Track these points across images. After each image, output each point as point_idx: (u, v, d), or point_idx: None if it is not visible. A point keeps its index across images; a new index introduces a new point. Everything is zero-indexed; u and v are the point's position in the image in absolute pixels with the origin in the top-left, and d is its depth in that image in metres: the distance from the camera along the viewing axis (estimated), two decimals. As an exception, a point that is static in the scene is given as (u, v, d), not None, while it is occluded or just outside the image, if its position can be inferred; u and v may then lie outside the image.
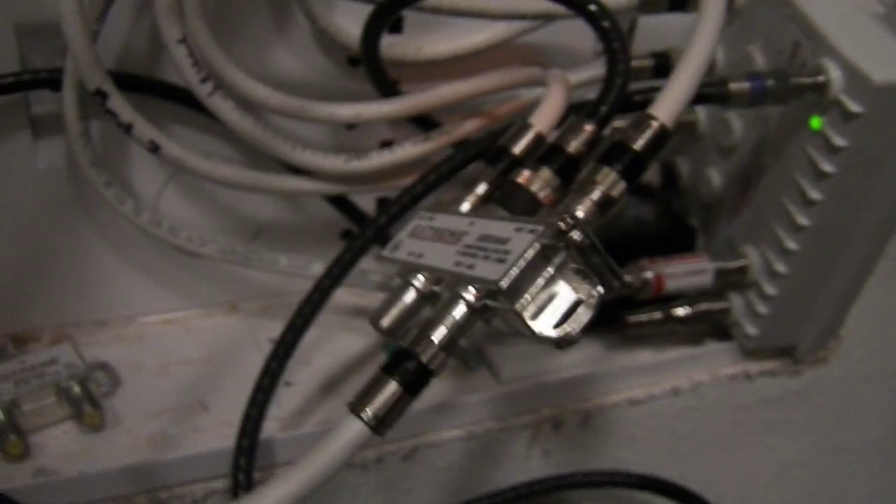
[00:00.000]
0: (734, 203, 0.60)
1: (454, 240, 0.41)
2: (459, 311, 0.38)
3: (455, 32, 0.56)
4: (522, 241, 0.37)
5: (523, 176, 0.42)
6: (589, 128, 0.43)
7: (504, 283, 0.36)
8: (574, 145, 0.42)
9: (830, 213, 0.54)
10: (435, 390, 0.56)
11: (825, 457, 0.74)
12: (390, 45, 0.54)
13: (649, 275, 0.57)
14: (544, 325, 0.37)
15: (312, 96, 0.52)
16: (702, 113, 0.62)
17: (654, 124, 0.40)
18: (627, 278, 0.56)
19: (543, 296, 0.37)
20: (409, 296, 0.42)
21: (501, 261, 0.37)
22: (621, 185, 0.39)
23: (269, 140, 0.52)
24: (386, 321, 0.43)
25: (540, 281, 0.37)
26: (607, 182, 0.39)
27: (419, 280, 0.42)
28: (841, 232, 0.56)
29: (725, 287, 0.60)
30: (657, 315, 0.59)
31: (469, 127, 0.54)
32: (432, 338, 0.38)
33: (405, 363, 0.38)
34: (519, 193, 0.42)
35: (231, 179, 0.53)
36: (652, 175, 0.65)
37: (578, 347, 0.61)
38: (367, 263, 0.56)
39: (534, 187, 0.42)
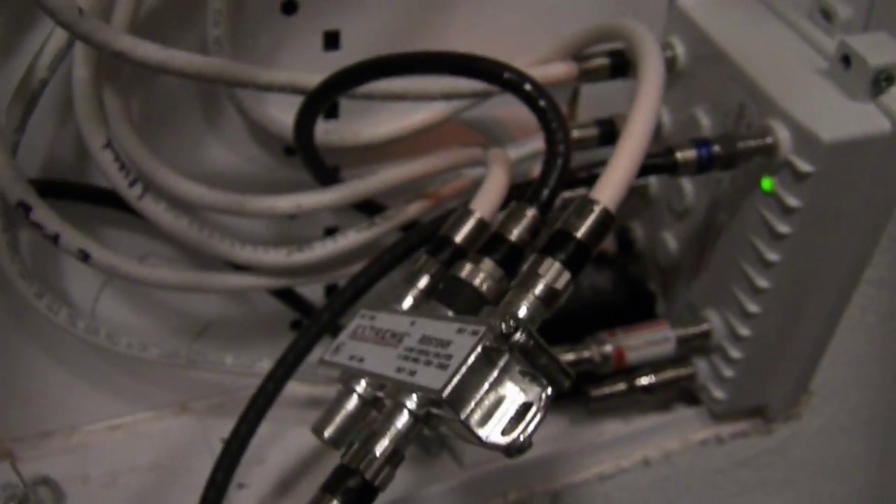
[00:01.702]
0: (692, 266, 0.58)
1: (395, 342, 0.39)
2: (402, 420, 0.36)
3: (394, 114, 0.54)
4: (464, 345, 0.36)
5: (465, 270, 0.40)
6: (531, 213, 0.41)
7: (446, 393, 0.34)
8: (516, 233, 0.40)
9: (789, 272, 0.52)
10: (395, 483, 0.54)
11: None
12: (327, 131, 0.53)
13: (609, 348, 0.55)
14: (492, 432, 0.35)
15: (251, 189, 0.50)
16: (653, 182, 0.61)
17: (597, 209, 0.38)
18: (585, 354, 0.55)
19: (489, 401, 0.35)
20: (352, 403, 0.40)
21: (443, 367, 0.35)
22: (565, 277, 0.37)
23: (206, 240, 0.50)
24: (329, 431, 0.40)
25: (485, 386, 0.35)
26: (551, 274, 0.37)
27: (361, 385, 0.40)
28: (802, 290, 0.54)
29: (689, 353, 0.58)
30: (621, 386, 0.57)
31: (413, 210, 0.53)
32: (375, 451, 0.36)
33: (347, 481, 0.36)
34: (461, 290, 0.40)
35: (168, 282, 0.51)
36: (607, 241, 0.64)
37: (543, 426, 0.60)
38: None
39: (476, 281, 0.40)
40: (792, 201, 0.50)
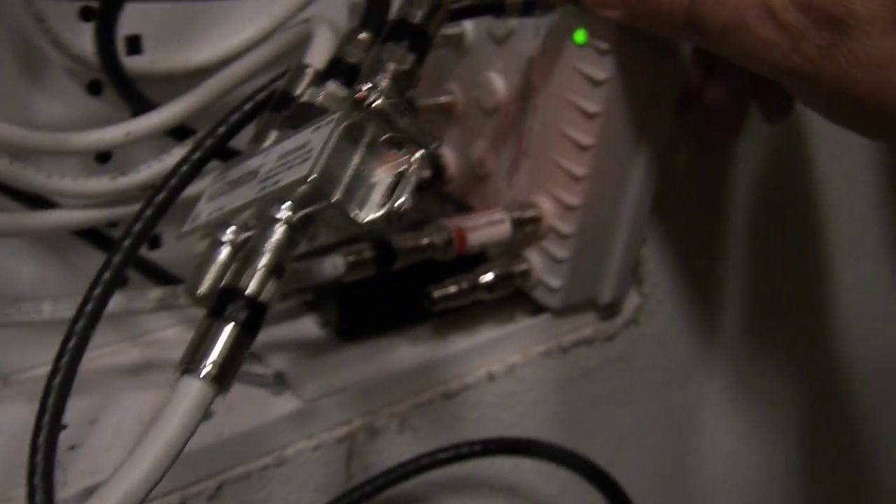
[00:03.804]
0: (511, 162, 0.57)
1: (252, 176, 0.36)
2: (278, 232, 0.33)
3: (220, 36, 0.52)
4: (323, 134, 0.33)
5: (307, 94, 0.38)
6: (364, 35, 0.39)
7: (315, 174, 0.32)
8: (353, 54, 0.39)
9: (611, 125, 0.52)
10: (236, 420, 0.51)
11: (662, 419, 0.71)
12: (153, 61, 0.51)
13: (450, 231, 0.53)
14: (371, 209, 0.33)
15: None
16: (457, 91, 0.60)
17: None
18: (426, 240, 0.52)
19: (361, 179, 0.33)
20: (222, 253, 0.37)
21: (306, 160, 0.33)
22: (411, 57, 0.35)
23: (20, 172, 0.46)
24: (203, 288, 0.37)
25: (353, 163, 0.33)
26: (396, 56, 0.35)
27: (228, 233, 0.37)
28: (626, 148, 0.54)
29: (523, 245, 0.58)
30: (463, 284, 0.55)
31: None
32: (256, 265, 0.33)
33: (232, 302, 0.33)
34: (308, 110, 0.38)
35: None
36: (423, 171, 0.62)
37: (385, 349, 0.57)
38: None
39: (319, 98, 0.38)
40: (603, 45, 0.50)
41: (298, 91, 0.41)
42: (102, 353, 0.55)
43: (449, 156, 0.62)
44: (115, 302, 0.48)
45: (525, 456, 0.58)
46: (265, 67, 0.50)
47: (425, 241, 0.52)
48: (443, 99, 0.60)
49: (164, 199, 0.43)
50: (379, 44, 0.36)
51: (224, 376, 0.32)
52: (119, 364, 0.55)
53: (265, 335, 0.54)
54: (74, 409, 0.43)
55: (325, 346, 0.57)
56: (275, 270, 0.33)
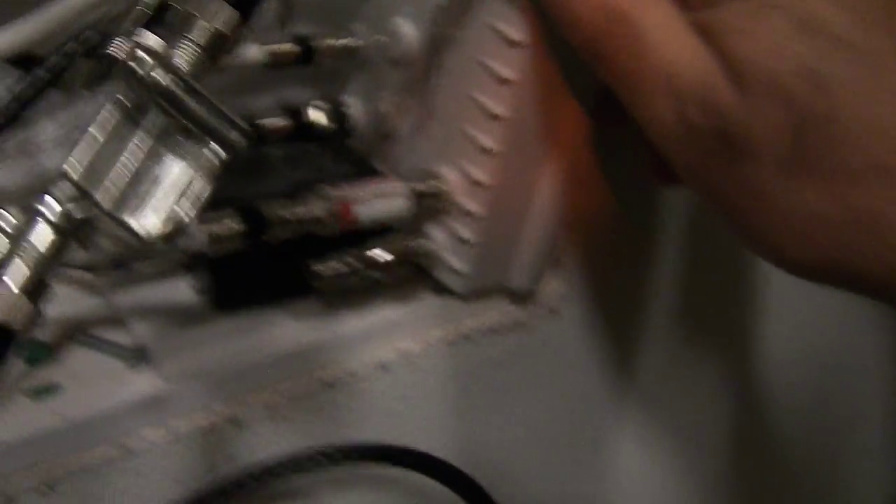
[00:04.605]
0: (417, 123, 0.50)
1: (29, 150, 0.29)
2: (38, 234, 0.26)
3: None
4: (94, 111, 0.26)
5: (114, 47, 0.30)
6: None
7: (71, 170, 0.24)
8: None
9: (522, 94, 0.45)
10: (84, 399, 0.45)
11: (572, 408, 0.65)
12: None
13: (333, 201, 0.46)
14: (143, 216, 0.26)
15: None
16: (363, 31, 0.52)
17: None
18: (303, 211, 0.45)
19: (139, 179, 0.26)
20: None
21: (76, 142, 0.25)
22: (227, 13, 0.28)
23: None
24: None
25: (126, 156, 0.25)
26: (210, 12, 0.27)
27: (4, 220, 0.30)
28: (545, 119, 0.47)
29: (424, 220, 0.50)
30: (349, 260, 0.48)
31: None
32: (5, 280, 0.25)
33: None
34: (110, 63, 0.30)
35: None
36: (320, 122, 0.54)
37: (264, 325, 0.51)
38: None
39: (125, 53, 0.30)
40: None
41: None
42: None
43: (354, 105, 0.54)
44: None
45: (396, 465, 0.51)
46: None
47: (303, 211, 0.45)
48: (344, 42, 0.52)
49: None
50: (191, -6, 0.28)
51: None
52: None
53: (131, 296, 0.49)
54: None
55: (197, 315, 0.50)
56: (34, 288, 0.26)
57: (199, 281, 0.51)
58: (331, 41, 0.51)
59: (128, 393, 0.46)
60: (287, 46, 0.49)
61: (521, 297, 0.56)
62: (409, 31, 0.49)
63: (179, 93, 0.25)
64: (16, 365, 0.43)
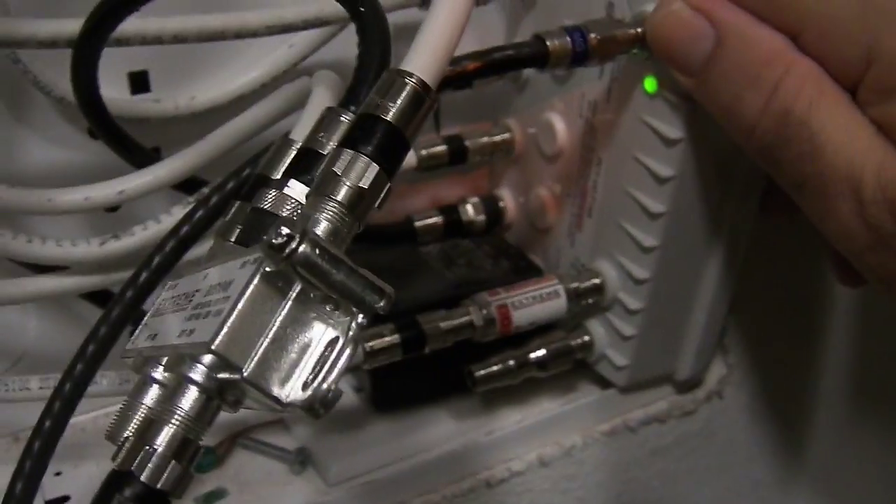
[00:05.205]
0: (573, 218, 0.49)
1: (187, 303, 0.29)
2: (188, 398, 0.26)
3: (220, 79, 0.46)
4: (241, 280, 0.26)
5: (268, 199, 0.30)
6: (347, 118, 0.31)
7: (215, 344, 0.24)
8: (332, 145, 0.30)
9: (684, 191, 0.44)
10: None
11: (745, 496, 0.62)
12: (157, 99, 0.45)
13: (491, 309, 0.45)
14: (291, 387, 0.25)
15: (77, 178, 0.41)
16: (516, 130, 0.52)
17: (409, 82, 0.28)
18: (463, 319, 0.45)
19: (282, 346, 0.25)
20: (150, 395, 0.30)
21: (219, 313, 0.25)
22: (373, 171, 0.27)
23: None
24: (126, 433, 0.30)
25: (272, 326, 0.25)
26: (354, 171, 0.27)
27: (159, 370, 0.30)
28: (705, 215, 0.45)
29: (584, 315, 0.49)
30: (510, 363, 0.47)
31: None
32: (155, 445, 0.26)
33: (120, 491, 0.26)
34: (262, 222, 0.30)
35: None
36: (475, 218, 0.54)
37: (424, 424, 0.50)
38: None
39: (284, 209, 0.30)
40: (676, 98, 0.41)
41: (279, 175, 0.33)
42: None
43: (508, 199, 0.54)
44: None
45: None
46: (267, 125, 0.43)
47: (463, 319, 0.45)
48: (500, 137, 0.52)
49: (160, 264, 0.37)
50: (333, 150, 0.28)
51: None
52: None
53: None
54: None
55: (357, 416, 0.50)
56: (180, 449, 0.26)
57: (358, 380, 0.52)
58: (487, 138, 0.51)
59: (292, 500, 0.46)
60: (440, 148, 0.49)
61: (684, 384, 0.54)
62: (561, 127, 0.48)
63: (323, 264, 0.24)
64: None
